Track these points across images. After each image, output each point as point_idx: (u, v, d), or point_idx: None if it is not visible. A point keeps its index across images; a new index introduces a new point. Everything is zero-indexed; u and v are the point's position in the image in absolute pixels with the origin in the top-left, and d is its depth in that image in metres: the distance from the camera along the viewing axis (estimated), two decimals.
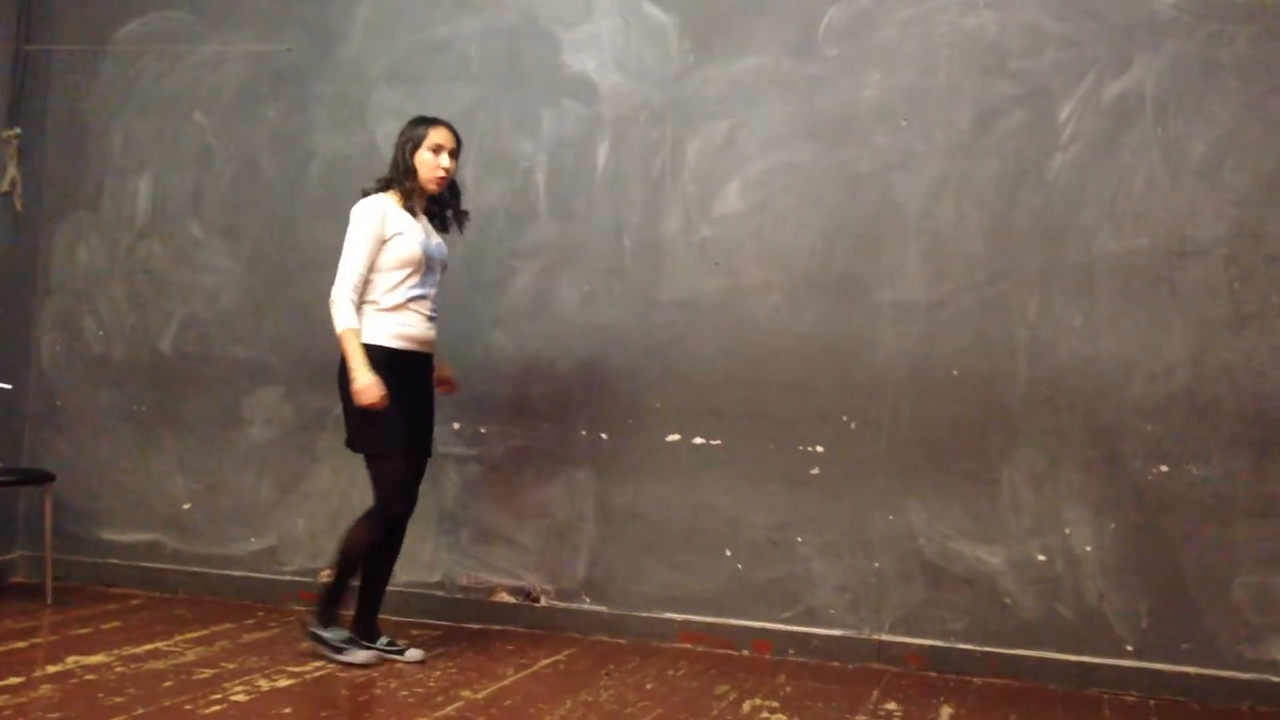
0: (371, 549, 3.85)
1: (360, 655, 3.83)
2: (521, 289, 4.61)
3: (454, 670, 3.86)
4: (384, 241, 3.79)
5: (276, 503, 4.84)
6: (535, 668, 3.92)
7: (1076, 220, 4.05)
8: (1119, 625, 3.97)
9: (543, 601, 4.51)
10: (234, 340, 4.92)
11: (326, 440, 4.77)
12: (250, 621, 4.44)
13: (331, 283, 3.76)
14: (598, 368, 4.51)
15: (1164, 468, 3.95)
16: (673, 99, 4.46)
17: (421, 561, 4.64)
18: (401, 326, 3.83)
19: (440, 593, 4.61)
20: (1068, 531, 4.02)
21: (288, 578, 4.79)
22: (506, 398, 4.58)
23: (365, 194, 3.89)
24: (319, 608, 3.91)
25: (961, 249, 4.16)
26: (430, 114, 4.74)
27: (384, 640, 3.97)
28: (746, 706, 3.58)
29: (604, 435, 4.49)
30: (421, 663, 3.91)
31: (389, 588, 4.05)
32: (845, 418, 4.24)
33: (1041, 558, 4.04)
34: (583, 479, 4.51)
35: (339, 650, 3.84)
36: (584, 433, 4.51)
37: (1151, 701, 3.85)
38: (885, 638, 4.17)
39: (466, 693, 3.60)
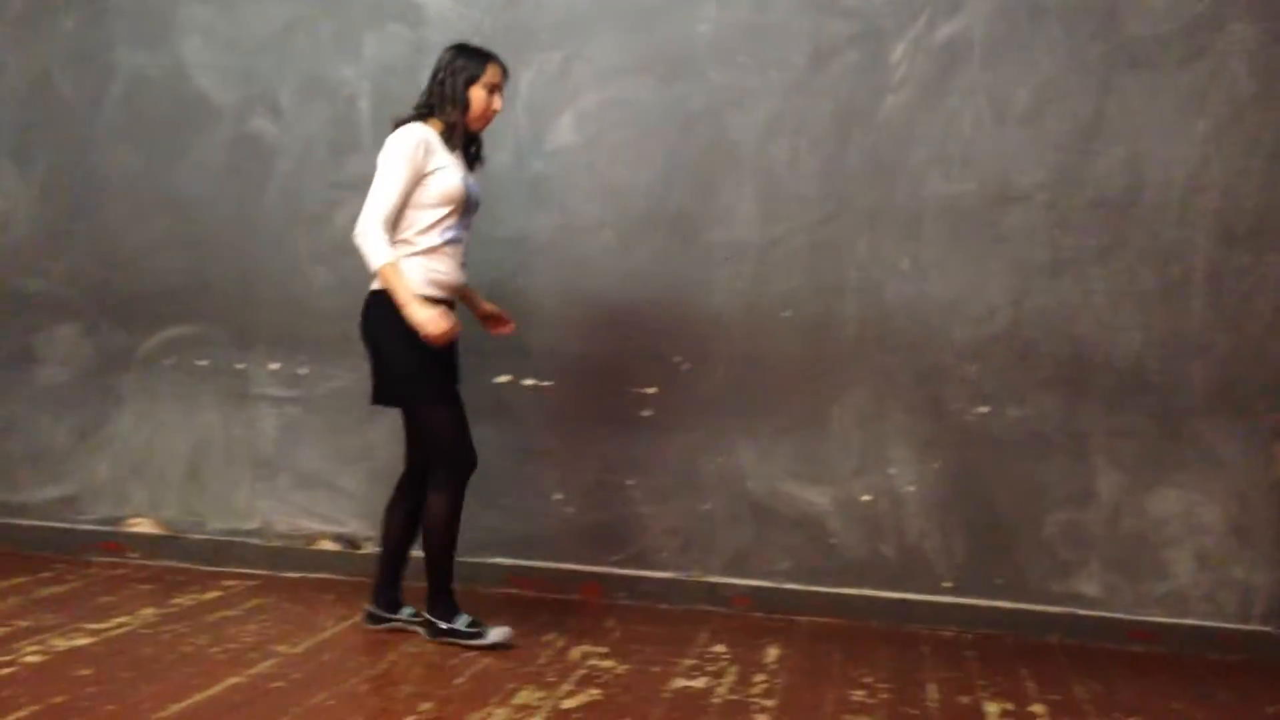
0: (457, 514, 3.52)
1: (497, 633, 3.52)
2: (345, 223, 4.35)
3: (269, 623, 3.69)
4: (424, 175, 3.45)
5: (75, 448, 4.53)
6: (357, 618, 3.78)
7: (906, 162, 4.07)
8: (938, 562, 4.07)
9: (366, 548, 4.36)
10: (26, 272, 4.55)
11: (132, 380, 4.48)
12: (46, 575, 4.14)
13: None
14: None
15: (984, 408, 4.04)
16: (504, 26, 4.27)
17: (237, 509, 4.43)
18: (434, 272, 3.48)
19: (256, 540, 4.41)
20: (892, 471, 4.09)
21: (89, 527, 4.50)
22: (328, 337, 4.36)
23: (399, 122, 3.52)
24: (432, 604, 3.56)
25: (795, 189, 4.13)
26: (248, 33, 4.49)
27: (408, 611, 3.68)
28: (575, 653, 3.53)
29: None
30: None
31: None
32: (677, 358, 4.20)
33: (867, 497, 4.10)
34: None
35: (475, 636, 3.51)
36: None
37: (967, 635, 3.97)
38: (714, 579, 4.18)
39: (282, 647, 3.44)
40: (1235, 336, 3.88)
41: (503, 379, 4.28)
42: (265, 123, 4.41)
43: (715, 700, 3.17)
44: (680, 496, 4.21)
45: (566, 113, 4.26)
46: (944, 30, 4.05)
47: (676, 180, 4.20)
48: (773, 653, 3.65)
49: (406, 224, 3.47)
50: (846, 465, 4.12)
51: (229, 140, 4.44)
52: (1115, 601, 3.96)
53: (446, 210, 3.49)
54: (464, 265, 3.62)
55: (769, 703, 3.17)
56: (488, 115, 3.59)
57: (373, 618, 3.70)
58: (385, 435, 4.33)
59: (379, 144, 4.30)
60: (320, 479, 4.39)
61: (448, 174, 3.48)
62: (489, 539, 4.29)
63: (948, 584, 4.05)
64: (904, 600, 4.07)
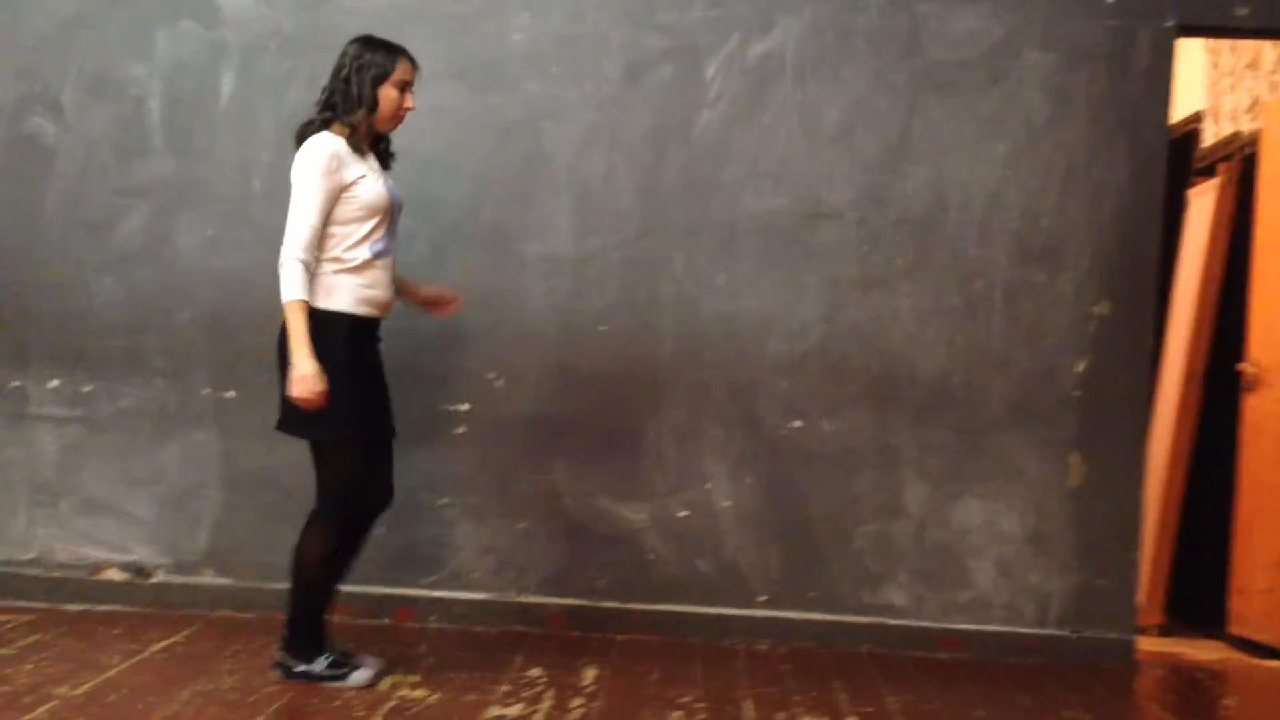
0: (329, 559, 3.29)
1: (363, 674, 3.33)
2: (133, 231, 4.12)
3: (49, 662, 3.41)
4: (343, 189, 3.20)
5: None
6: (146, 653, 3.53)
7: (721, 178, 4.08)
8: (753, 577, 4.08)
9: (156, 577, 4.10)
10: None
11: None
12: None
13: None
14: (223, 319, 4.11)
15: (797, 423, 4.07)
16: (308, 28, 4.09)
17: (12, 537, 4.11)
18: (368, 289, 3.25)
19: (35, 571, 4.09)
20: (708, 487, 4.08)
21: None
22: (115, 351, 4.09)
23: (303, 131, 3.27)
24: (289, 642, 3.32)
25: (610, 203, 4.09)
26: (26, 26, 4.21)
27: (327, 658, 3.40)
28: (385, 683, 3.38)
29: (230, 393, 4.10)
30: (371, 683, 3.36)
31: None
32: (492, 374, 4.10)
33: (683, 513, 4.08)
34: (205, 441, 4.11)
35: (338, 677, 3.30)
36: (207, 390, 4.11)
37: (782, 649, 3.99)
38: (530, 599, 4.09)
39: (63, 689, 3.17)
40: (1032, 352, 4.03)
41: None
42: (44, 123, 4.10)
43: None
44: (495, 515, 4.10)
45: None
46: (757, 48, 4.08)
47: (491, 192, 4.10)
48: (590, 674, 3.58)
49: (334, 242, 3.22)
50: (663, 481, 4.09)
51: (3, 141, 4.11)
52: (923, 611, 4.05)
53: (374, 222, 3.26)
54: (391, 278, 3.40)
55: None
56: (399, 115, 3.37)
57: (283, 668, 3.37)
58: (181, 457, 4.11)
59: (172, 149, 4.11)
60: (106, 504, 4.10)
61: (369, 183, 3.25)
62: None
63: (763, 598, 4.07)
64: (720, 615, 4.07)
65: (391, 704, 3.20)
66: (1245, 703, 3.81)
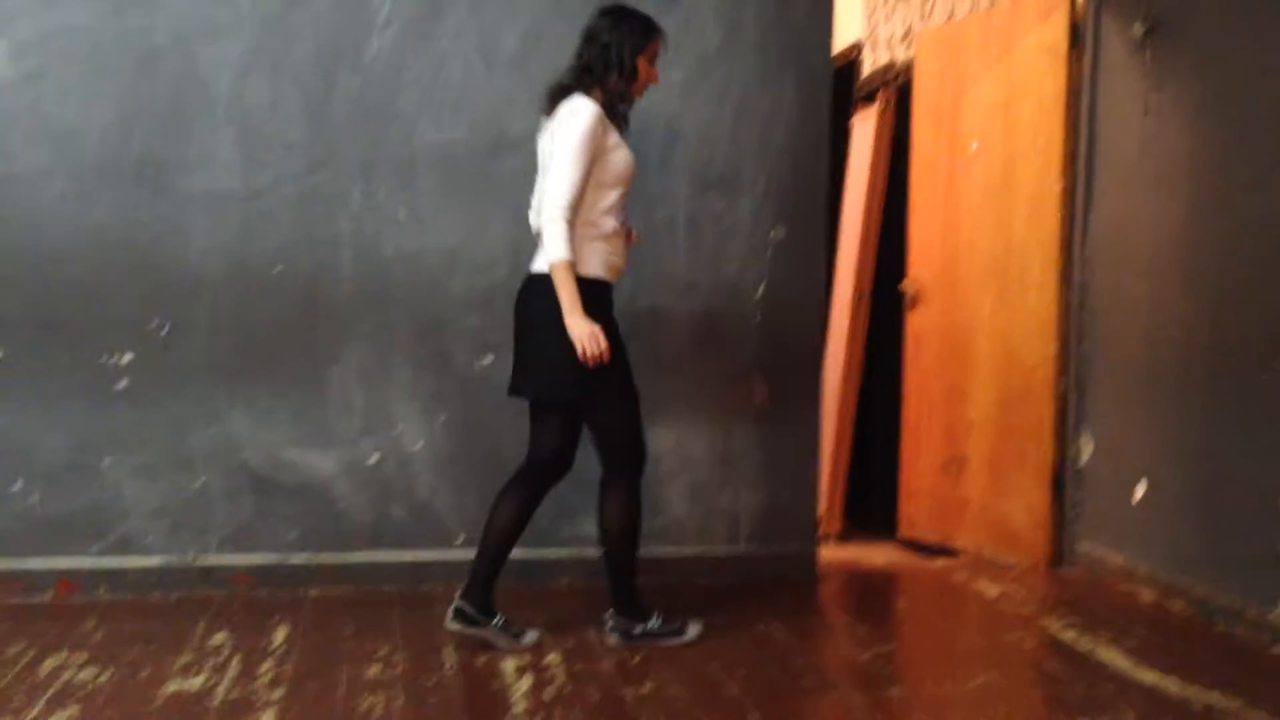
0: (639, 515, 3.36)
1: (695, 628, 3.44)
2: None
3: None
4: (604, 154, 3.20)
5: None
6: None
7: (396, 107, 3.89)
8: (449, 518, 4.00)
9: None
10: None
11: None
12: None
13: None
14: None
15: (488, 359, 3.99)
16: None
17: None
18: (612, 256, 3.29)
19: None
20: (399, 429, 3.95)
21: None
22: None
23: (568, 89, 3.25)
24: (622, 607, 3.39)
25: (278, 134, 3.83)
26: None
27: (499, 620, 3.37)
28: (47, 665, 3.08)
29: None
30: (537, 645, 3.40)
31: None
32: (155, 322, 3.78)
33: (374, 458, 3.94)
34: None
35: (677, 633, 3.42)
36: None
37: None
38: (210, 561, 3.84)
39: None
40: (714, 276, 4.11)
41: None
42: None
43: (214, 702, 2.88)
44: (167, 474, 3.81)
45: None
46: None
47: (140, 123, 3.75)
48: (280, 634, 3.40)
49: (588, 205, 3.21)
50: (351, 426, 3.92)
51: None
52: None
53: (621, 190, 3.28)
54: None
55: (275, 694, 2.93)
56: (646, 87, 3.38)
57: (463, 615, 3.33)
58: None
59: None
60: None
61: (623, 151, 3.27)
62: None
63: (460, 539, 3.99)
64: (416, 561, 3.97)
65: (55, 689, 2.92)
66: (914, 601, 4.10)
